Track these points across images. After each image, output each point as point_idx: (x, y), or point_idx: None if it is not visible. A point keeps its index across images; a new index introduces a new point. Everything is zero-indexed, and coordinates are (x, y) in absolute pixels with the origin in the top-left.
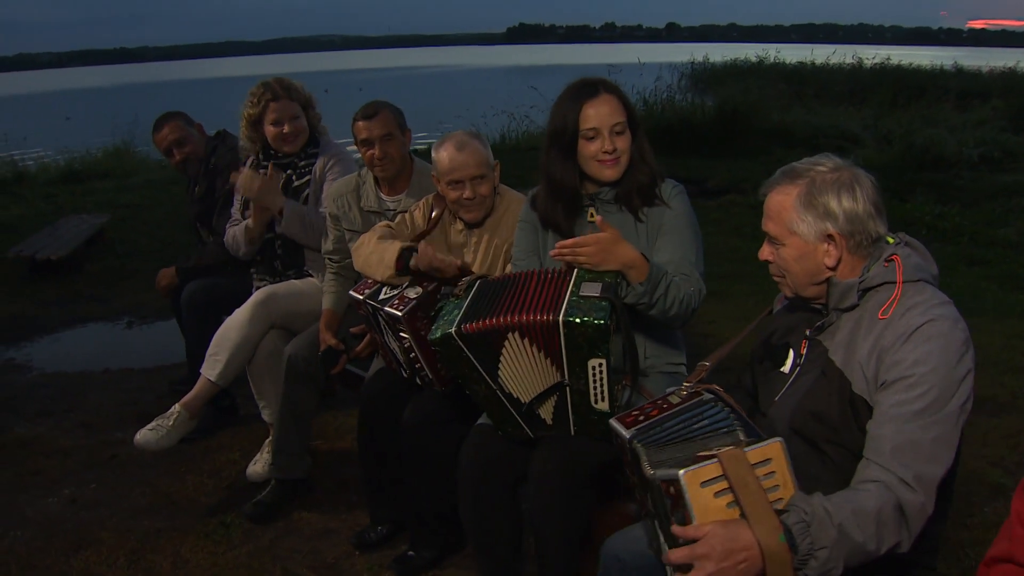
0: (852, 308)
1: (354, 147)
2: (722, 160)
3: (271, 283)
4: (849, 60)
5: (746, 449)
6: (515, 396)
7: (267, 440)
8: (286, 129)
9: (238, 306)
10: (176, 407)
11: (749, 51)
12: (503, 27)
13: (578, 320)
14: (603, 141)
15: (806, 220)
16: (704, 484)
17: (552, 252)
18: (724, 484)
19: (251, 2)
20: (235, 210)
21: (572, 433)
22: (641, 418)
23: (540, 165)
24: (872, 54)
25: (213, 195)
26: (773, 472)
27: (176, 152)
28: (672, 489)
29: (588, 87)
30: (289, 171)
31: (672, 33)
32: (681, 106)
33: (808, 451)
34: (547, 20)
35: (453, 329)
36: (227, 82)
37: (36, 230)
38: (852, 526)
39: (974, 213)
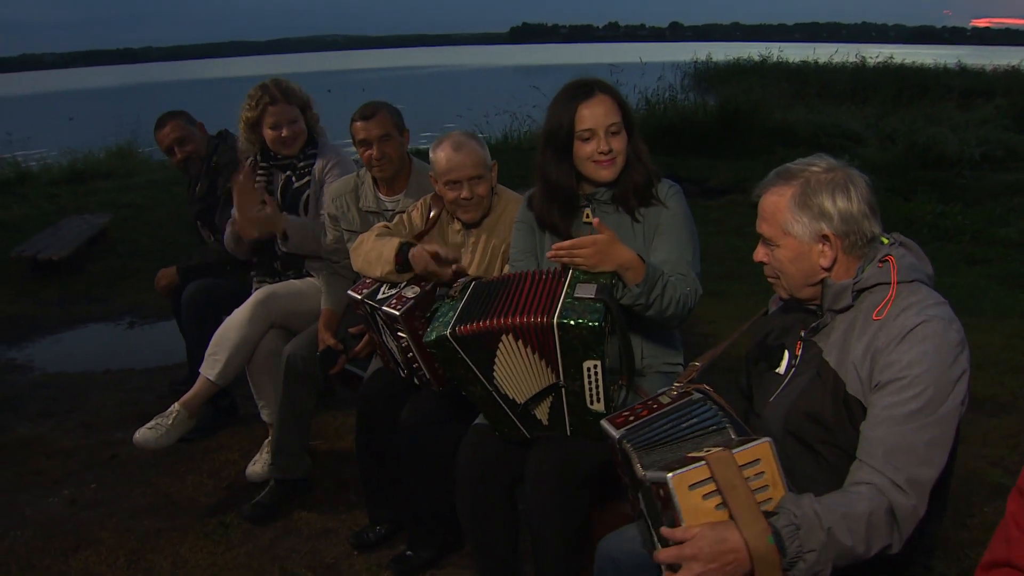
0: (847, 309)
1: (353, 147)
2: (724, 159)
3: (271, 283)
4: (852, 59)
5: (735, 450)
6: (511, 397)
7: (266, 440)
8: (284, 133)
9: (238, 306)
10: (175, 406)
11: (752, 50)
12: (506, 27)
13: (572, 322)
14: (598, 142)
15: (801, 221)
16: (692, 487)
17: (548, 254)
18: (712, 486)
19: (254, 2)
20: (235, 210)
21: (568, 434)
22: (631, 418)
23: (536, 166)
24: (875, 53)
25: (214, 194)
26: (762, 472)
27: (177, 151)
28: (661, 492)
29: (583, 88)
30: (288, 172)
31: (675, 32)
32: (683, 105)
33: (803, 452)
34: (550, 20)
35: (448, 331)
36: (230, 82)
37: (39, 230)
38: (842, 529)
39: (976, 212)
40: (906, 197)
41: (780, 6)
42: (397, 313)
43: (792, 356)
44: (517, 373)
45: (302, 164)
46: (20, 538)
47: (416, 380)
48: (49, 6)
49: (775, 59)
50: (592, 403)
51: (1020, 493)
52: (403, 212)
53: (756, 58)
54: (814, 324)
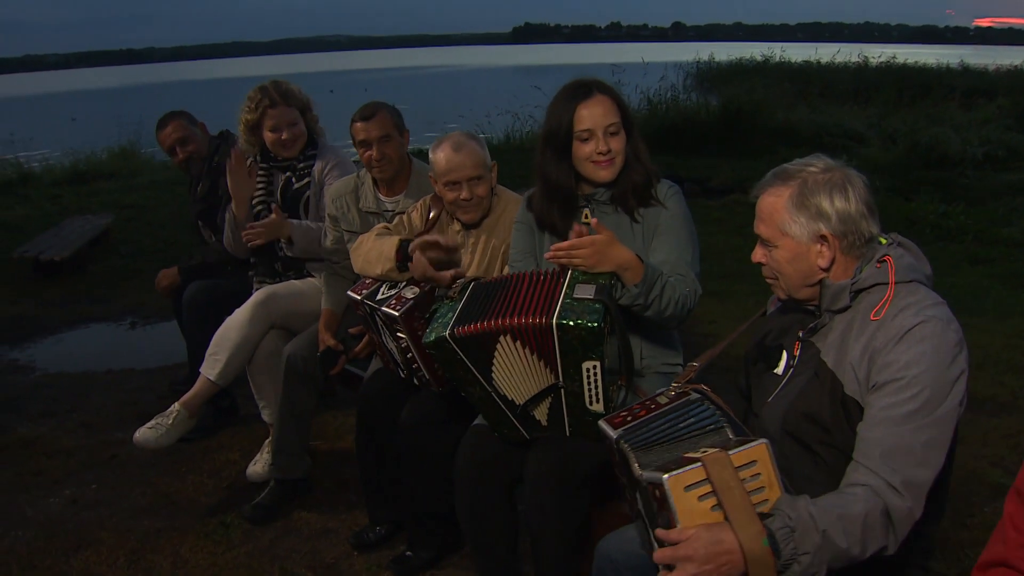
0: (845, 309)
1: (353, 148)
2: (726, 159)
3: (271, 284)
4: (855, 59)
5: (731, 452)
6: (510, 398)
7: (267, 440)
8: (284, 136)
9: (239, 306)
10: (175, 406)
11: (754, 50)
12: (508, 27)
13: (571, 323)
14: (597, 142)
15: (798, 221)
16: (688, 488)
17: (547, 255)
18: (708, 488)
19: (256, 3)
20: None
21: (567, 434)
22: (629, 419)
23: (535, 166)
24: (878, 53)
25: (216, 194)
26: (759, 474)
27: (179, 151)
28: (657, 492)
29: (582, 88)
30: (288, 173)
31: (678, 32)
32: (686, 105)
33: (801, 452)
34: (552, 20)
35: (447, 332)
36: (232, 83)
37: (41, 231)
38: (837, 531)
39: (978, 212)
40: (908, 197)
41: (782, 6)
42: (396, 314)
43: (790, 356)
44: (516, 374)
45: (302, 165)
46: (21, 538)
47: (416, 381)
48: (51, 7)
49: (777, 59)
50: (591, 404)
51: (1018, 494)
52: (403, 213)
53: (758, 58)
54: (812, 324)
